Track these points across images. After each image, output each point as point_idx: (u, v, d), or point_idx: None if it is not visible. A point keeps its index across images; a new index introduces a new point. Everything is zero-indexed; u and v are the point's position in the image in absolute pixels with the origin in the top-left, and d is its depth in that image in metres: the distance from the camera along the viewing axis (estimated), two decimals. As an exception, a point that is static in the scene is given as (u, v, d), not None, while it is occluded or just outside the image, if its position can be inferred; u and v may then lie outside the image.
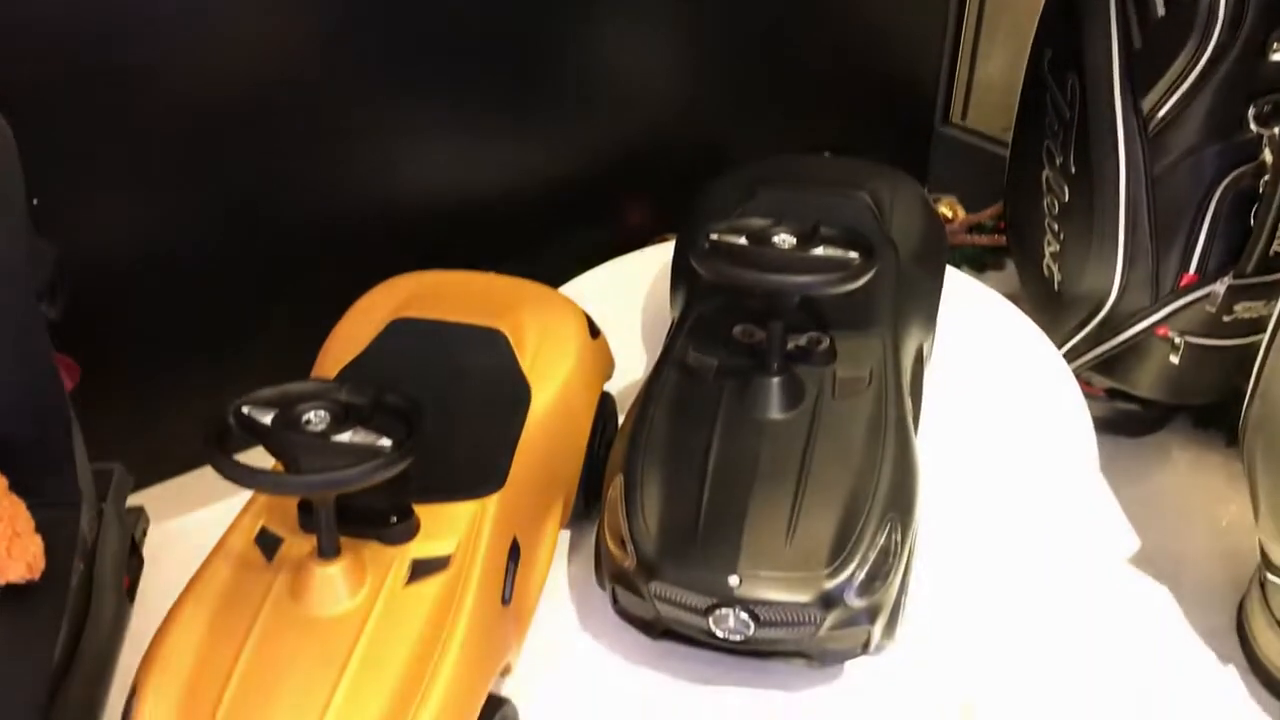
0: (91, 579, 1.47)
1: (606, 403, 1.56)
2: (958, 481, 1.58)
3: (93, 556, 1.49)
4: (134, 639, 1.23)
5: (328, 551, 1.23)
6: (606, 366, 1.56)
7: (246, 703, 1.20)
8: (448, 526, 1.21)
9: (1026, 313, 1.85)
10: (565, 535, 1.50)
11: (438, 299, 1.49)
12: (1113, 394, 2.13)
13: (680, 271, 1.84)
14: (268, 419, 1.24)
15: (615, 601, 1.34)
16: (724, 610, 1.23)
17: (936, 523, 1.50)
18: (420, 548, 1.20)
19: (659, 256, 1.77)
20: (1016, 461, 1.61)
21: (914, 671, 1.36)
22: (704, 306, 1.55)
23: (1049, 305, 2.12)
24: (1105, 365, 2.06)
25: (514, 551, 1.26)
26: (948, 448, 1.63)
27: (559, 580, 1.48)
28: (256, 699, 1.20)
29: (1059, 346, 1.81)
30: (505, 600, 1.23)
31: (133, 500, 1.68)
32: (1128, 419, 2.16)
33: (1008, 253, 2.45)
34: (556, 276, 1.78)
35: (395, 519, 1.18)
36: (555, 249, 2.21)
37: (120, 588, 1.55)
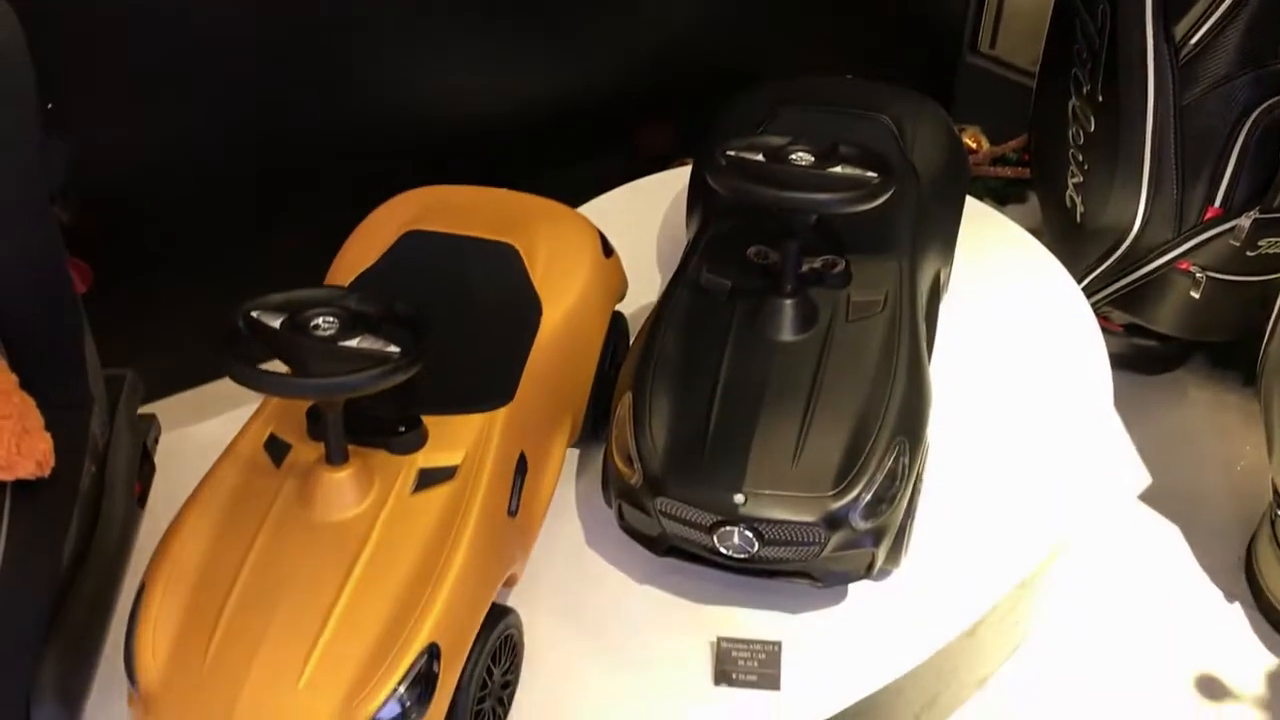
0: (103, 481, 1.48)
1: (619, 323, 1.57)
2: (971, 411, 1.58)
3: (104, 459, 1.49)
4: (144, 545, 1.24)
5: (336, 458, 1.24)
6: (619, 286, 1.57)
7: (252, 603, 1.21)
8: (456, 438, 1.22)
9: (1047, 246, 1.86)
10: (574, 454, 1.53)
11: (451, 213, 1.49)
12: (1131, 330, 2.12)
13: (697, 191, 1.83)
14: (277, 323, 1.23)
15: (621, 518, 1.38)
16: (728, 528, 1.26)
17: (948, 450, 1.51)
18: (428, 457, 1.21)
19: (678, 180, 1.78)
20: (1031, 394, 1.62)
21: (917, 597, 1.38)
22: (720, 227, 1.56)
23: (1070, 238, 2.10)
24: (1125, 300, 2.04)
25: (521, 465, 1.29)
26: (963, 377, 1.62)
27: (567, 497, 1.48)
28: (262, 600, 1.21)
29: (1079, 280, 1.85)
30: (511, 512, 1.26)
31: (146, 411, 1.71)
32: (1145, 355, 2.14)
33: (1030, 186, 2.43)
34: (575, 199, 1.68)
35: (403, 428, 1.20)
36: (574, 171, 2.19)
37: (131, 491, 1.57)
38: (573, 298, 1.44)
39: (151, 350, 1.77)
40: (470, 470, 1.20)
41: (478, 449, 1.22)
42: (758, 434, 1.27)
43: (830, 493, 1.25)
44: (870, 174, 1.42)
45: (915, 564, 1.39)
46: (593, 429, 1.51)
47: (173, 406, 1.94)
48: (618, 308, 1.56)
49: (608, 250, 1.54)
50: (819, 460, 1.26)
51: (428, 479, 1.20)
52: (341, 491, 1.15)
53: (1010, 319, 1.73)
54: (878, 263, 1.47)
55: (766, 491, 1.25)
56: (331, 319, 1.21)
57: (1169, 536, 1.78)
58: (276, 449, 1.26)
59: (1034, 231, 1.89)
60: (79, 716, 1.31)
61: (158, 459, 1.64)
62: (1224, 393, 2.02)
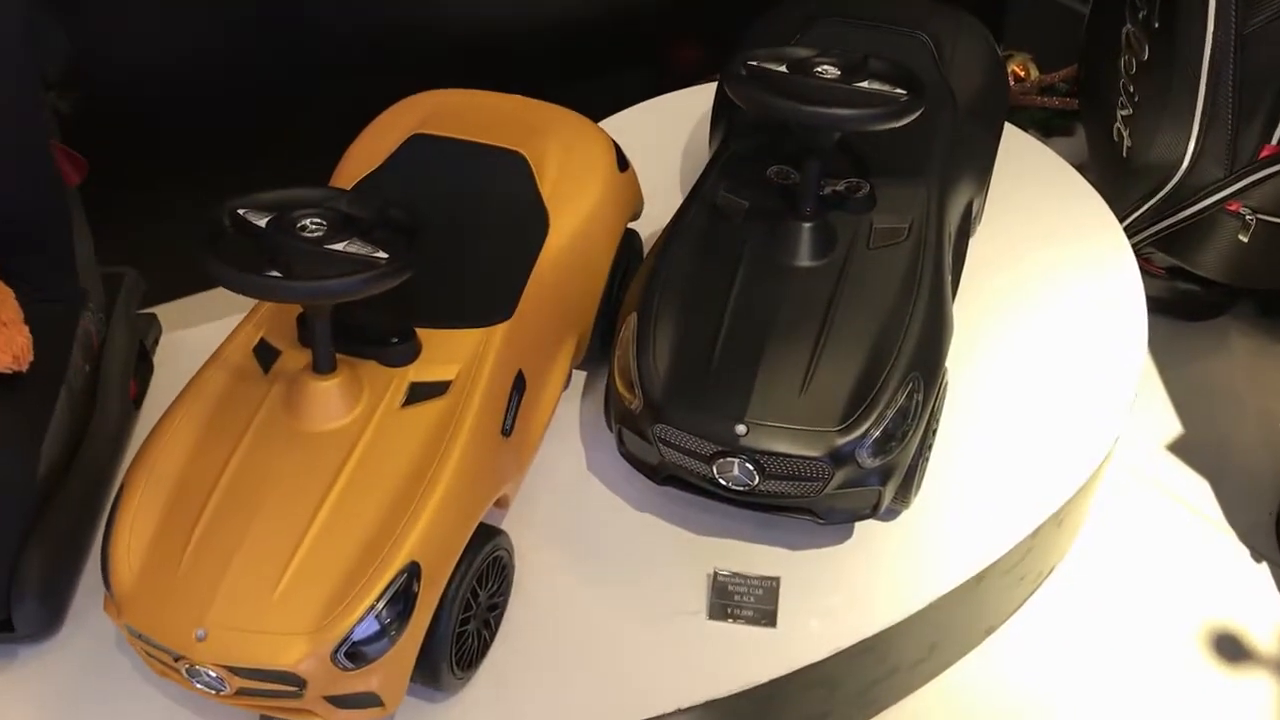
0: (97, 380, 1.44)
1: (631, 241, 1.53)
2: (996, 349, 1.55)
3: (99, 358, 1.45)
4: (138, 447, 1.20)
5: (323, 366, 1.19)
6: (634, 202, 1.52)
7: (231, 510, 1.18)
8: (450, 352, 1.19)
9: (1091, 182, 1.80)
10: (580, 375, 1.50)
11: (460, 118, 1.45)
12: (1174, 273, 2.04)
13: (721, 106, 1.76)
14: (263, 222, 1.18)
15: (621, 444, 1.35)
16: (728, 459, 1.23)
17: (969, 389, 1.47)
18: (420, 371, 1.19)
19: (706, 97, 1.73)
20: (1060, 336, 1.58)
21: (925, 540, 1.35)
22: (741, 144, 1.51)
23: (1116, 173, 2.00)
24: (1169, 241, 1.95)
25: (518, 384, 1.26)
26: (989, 314, 1.58)
27: (569, 420, 1.46)
28: (241, 508, 1.18)
29: (1122, 219, 1.84)
30: (505, 432, 1.23)
31: (148, 312, 1.67)
32: (1187, 301, 2.05)
33: (1078, 118, 2.34)
34: (599, 115, 1.66)
35: (396, 340, 1.17)
36: (600, 85, 2.11)
37: (126, 393, 1.53)
38: (583, 212, 1.39)
39: (158, 253, 1.72)
40: (464, 387, 1.17)
41: (473, 365, 1.18)
42: (764, 363, 1.22)
43: (837, 427, 1.21)
44: (899, 91, 1.34)
45: (925, 505, 1.36)
46: (600, 350, 1.46)
47: (178, 309, 1.89)
48: (632, 226, 1.52)
49: (623, 164, 1.48)
50: (827, 393, 1.21)
51: (419, 393, 1.16)
52: (327, 401, 1.13)
53: (1045, 255, 1.67)
54: (905, 188, 1.40)
55: (770, 423, 1.21)
56: (320, 221, 1.15)
57: (1198, 490, 1.73)
58: (266, 354, 1.23)
59: (1079, 168, 1.83)
60: (62, 616, 1.28)
61: (158, 361, 1.59)
62: (1269, 343, 1.96)
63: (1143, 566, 1.61)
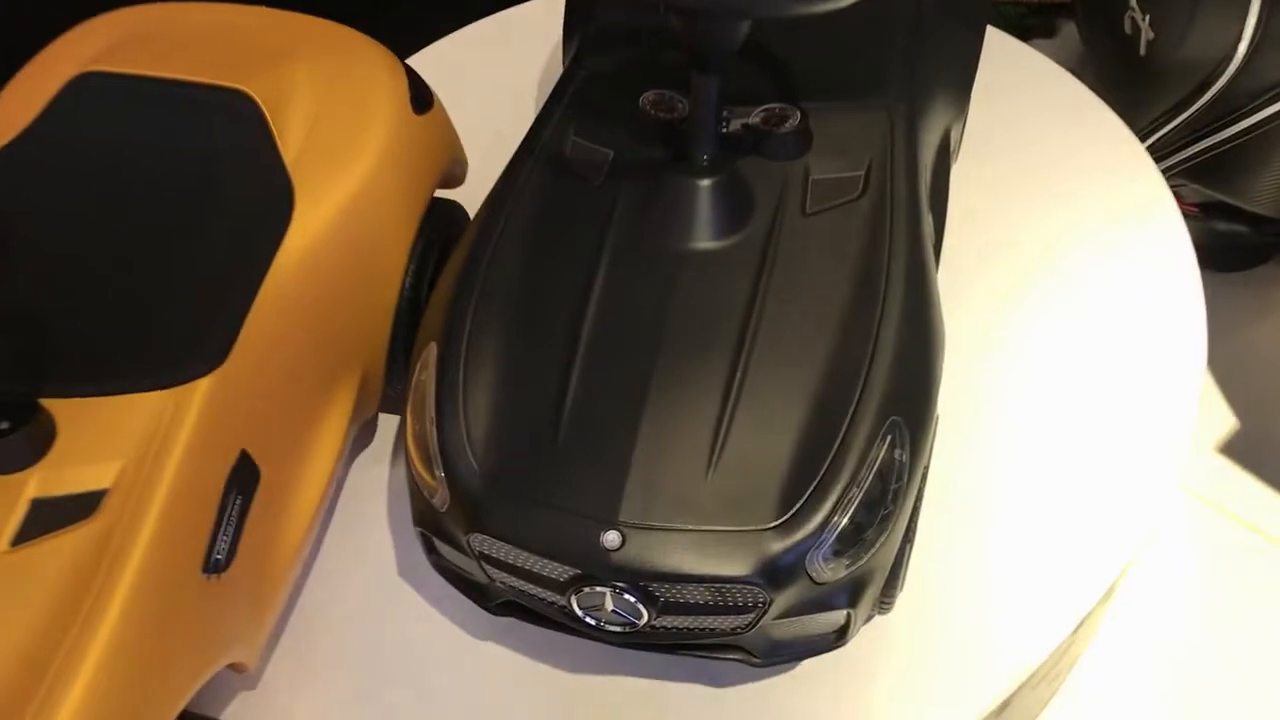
0: None
1: (445, 220, 1.18)
2: (1004, 357, 1.23)
3: None
4: None
5: None
6: (444, 161, 1.17)
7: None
8: (107, 439, 0.84)
9: (1094, 89, 1.50)
10: (388, 422, 1.17)
11: (158, 45, 1.09)
12: (1210, 211, 1.67)
13: (572, 3, 1.29)
14: None
15: (430, 550, 0.99)
16: (595, 588, 0.86)
17: (970, 417, 1.17)
18: (49, 478, 0.82)
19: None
20: (1085, 326, 1.25)
21: (917, 659, 1.04)
22: (598, 61, 1.15)
23: (1128, 80, 1.62)
24: (1206, 169, 1.59)
25: (242, 477, 0.91)
26: (990, 302, 1.27)
27: (369, 495, 1.14)
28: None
29: (1141, 139, 1.50)
30: (214, 566, 0.88)
31: None
32: (1229, 245, 1.68)
33: (1063, 12, 1.98)
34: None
35: (5, 425, 0.81)
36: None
37: None
38: (353, 182, 1.02)
39: None
40: (129, 498, 0.81)
41: (146, 458, 0.83)
42: (647, 420, 0.88)
43: (772, 523, 0.85)
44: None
45: (915, 604, 1.05)
46: (403, 386, 1.11)
47: None
48: (447, 195, 1.18)
49: (423, 102, 1.13)
50: (753, 466, 0.87)
51: (46, 518, 0.80)
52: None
53: (1047, 196, 1.37)
54: (854, 116, 1.05)
55: (660, 524, 0.85)
56: None
57: (1251, 498, 1.48)
58: None
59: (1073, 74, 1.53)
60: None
61: None
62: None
63: (1199, 607, 1.38)
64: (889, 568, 0.90)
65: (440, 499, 0.90)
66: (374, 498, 1.14)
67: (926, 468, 0.94)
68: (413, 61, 1.24)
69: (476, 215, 1.06)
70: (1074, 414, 1.19)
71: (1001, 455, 1.15)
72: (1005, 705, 1.02)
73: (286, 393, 0.96)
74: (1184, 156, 1.58)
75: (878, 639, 1.02)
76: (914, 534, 0.96)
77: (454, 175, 1.18)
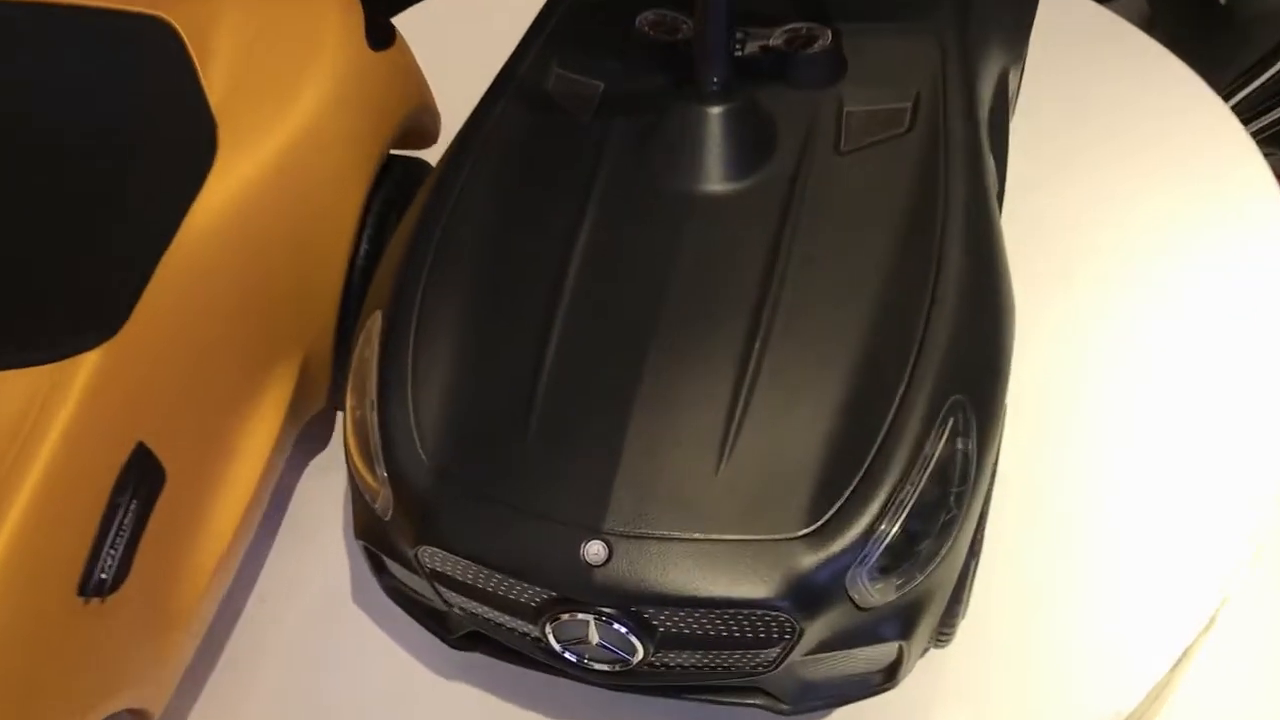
0: None
1: (406, 180, 1.04)
2: (1080, 348, 1.08)
3: None
4: None
5: None
6: (404, 106, 1.03)
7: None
8: None
9: (1164, 43, 1.37)
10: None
11: None
12: None
13: None
14: None
15: (377, 571, 0.83)
16: (576, 615, 0.69)
17: (1039, 414, 1.01)
18: None
19: None
20: (1172, 316, 1.11)
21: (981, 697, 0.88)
22: None
23: (1209, 31, 1.47)
24: None
25: (138, 476, 0.75)
26: (1055, 282, 1.12)
27: (321, 508, 1.00)
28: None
29: (1224, 97, 1.34)
30: (96, 587, 0.72)
31: None
32: None
33: None
34: None
35: None
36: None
37: None
38: (291, 126, 0.89)
39: None
40: None
41: (9, 449, 0.70)
42: (643, 403, 0.73)
43: (802, 531, 0.69)
44: None
45: (982, 636, 0.88)
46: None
47: None
48: (409, 153, 1.05)
49: (380, 38, 0.99)
50: (776, 458, 0.71)
51: None
52: None
53: (1119, 154, 1.23)
54: (897, 40, 0.91)
55: (657, 533, 0.69)
56: None
57: None
58: None
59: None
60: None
61: None
62: None
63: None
64: (950, 589, 0.76)
65: (383, 504, 0.74)
66: (328, 510, 0.99)
67: (995, 463, 0.76)
68: (396, 21, 1.09)
69: (438, 163, 0.90)
70: (1170, 414, 1.04)
71: (1086, 461, 1.01)
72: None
73: (200, 376, 0.82)
74: (1274, 119, 1.45)
75: (934, 679, 0.86)
76: (980, 547, 0.79)
77: (421, 128, 1.04)
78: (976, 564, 0.82)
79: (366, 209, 0.95)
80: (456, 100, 1.07)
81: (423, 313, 0.78)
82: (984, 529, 0.82)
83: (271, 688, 0.90)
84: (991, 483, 0.80)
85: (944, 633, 0.82)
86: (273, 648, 0.93)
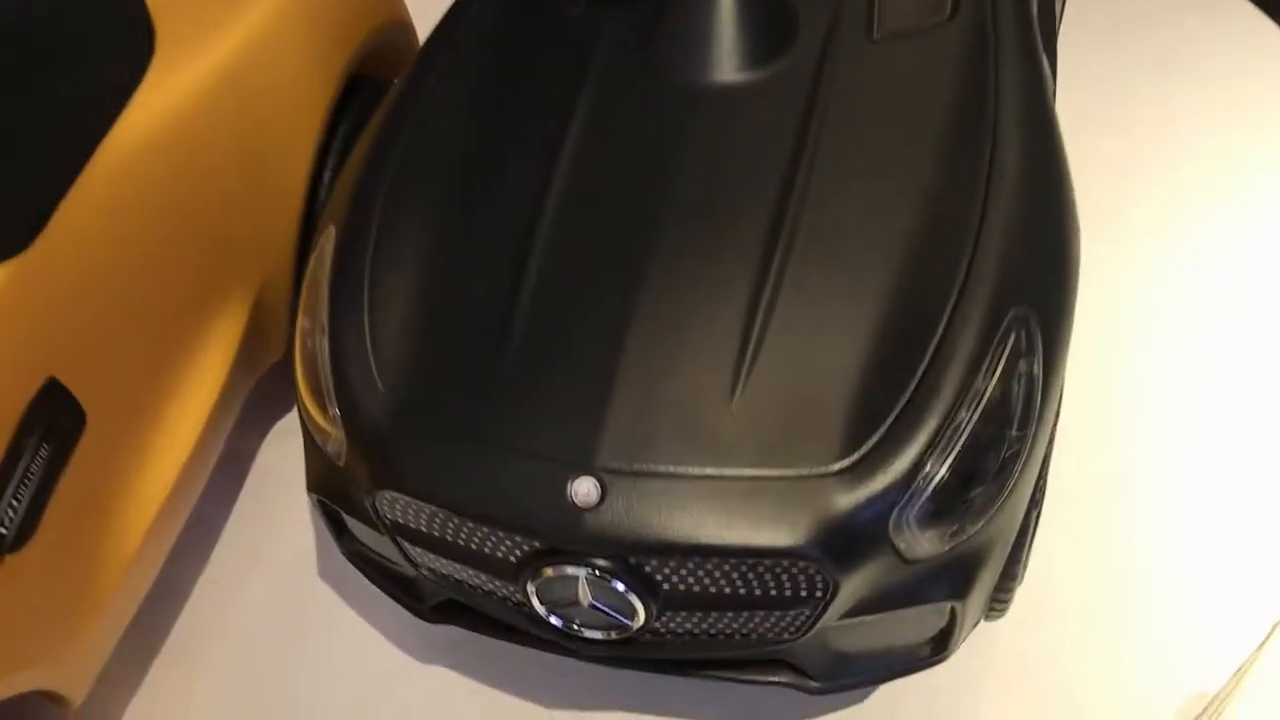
0: None
1: (370, 102, 0.91)
2: (1160, 313, 0.97)
3: None
4: None
5: None
6: (373, 19, 0.90)
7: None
8: None
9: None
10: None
11: None
12: None
13: None
14: None
15: (338, 532, 0.69)
16: (564, 569, 0.57)
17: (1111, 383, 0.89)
18: None
19: None
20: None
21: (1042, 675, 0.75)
22: None
23: None
24: None
25: (49, 416, 0.62)
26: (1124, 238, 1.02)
27: (272, 491, 0.87)
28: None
29: None
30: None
31: None
32: None
33: None
34: None
35: None
36: None
37: None
38: (240, 31, 0.77)
39: None
40: None
41: None
42: (642, 320, 0.60)
43: (835, 465, 0.56)
44: None
45: (1043, 596, 0.78)
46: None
47: None
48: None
49: None
50: (802, 383, 0.58)
51: None
52: None
53: (1174, 91, 1.10)
54: None
55: (660, 468, 0.56)
56: None
57: None
58: None
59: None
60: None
61: None
62: None
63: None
64: (1009, 543, 0.63)
65: (336, 446, 0.62)
66: (292, 479, 0.87)
67: (1061, 396, 0.64)
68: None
69: (406, 67, 0.78)
70: (1241, 378, 0.92)
71: (1155, 436, 0.88)
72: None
73: (129, 308, 0.70)
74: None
75: (986, 658, 0.72)
76: (1042, 495, 0.67)
77: (394, 49, 0.92)
78: (1038, 516, 0.70)
79: (330, 135, 0.83)
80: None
81: (383, 225, 0.67)
82: (1047, 474, 0.70)
83: (225, 678, 0.79)
84: (1057, 418, 0.69)
85: (1000, 599, 0.70)
86: (228, 633, 0.81)
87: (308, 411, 0.66)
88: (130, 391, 0.70)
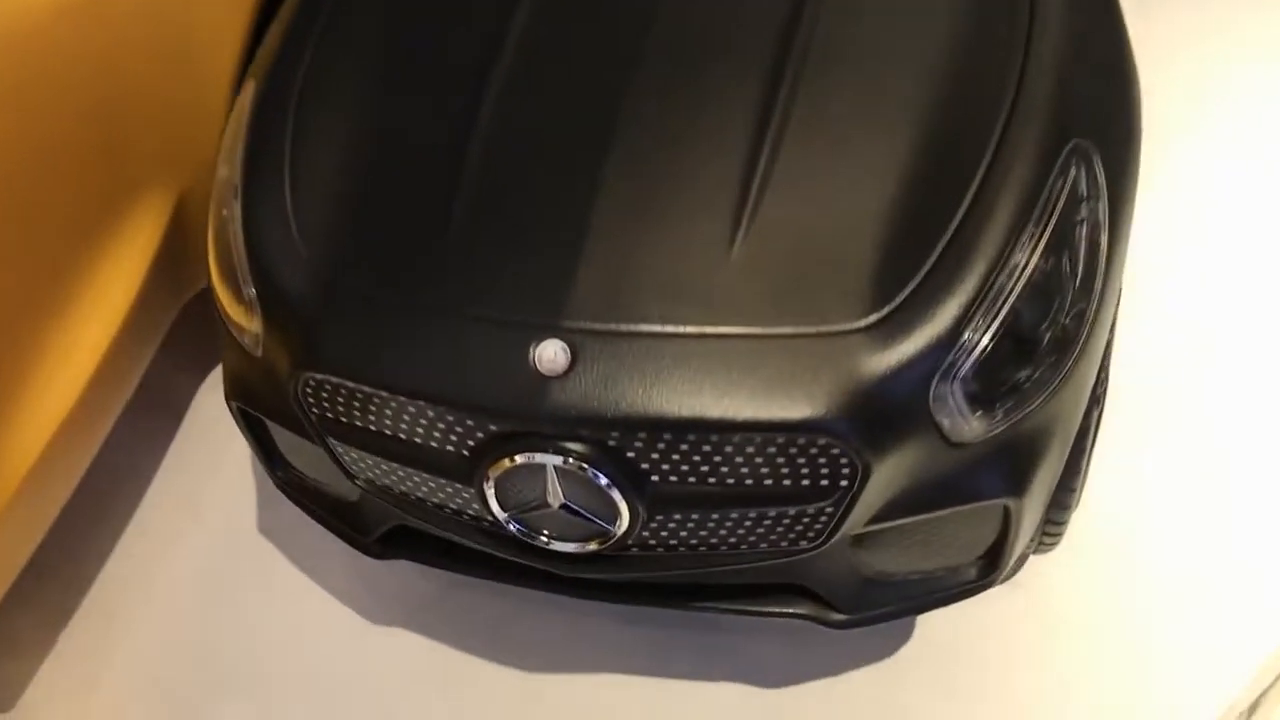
0: None
1: None
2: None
3: None
4: None
5: None
6: None
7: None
8: None
9: None
10: None
11: None
12: None
13: None
14: None
15: (269, 461, 0.60)
16: (529, 458, 0.48)
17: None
18: None
19: None
20: None
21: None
22: None
23: None
24: None
25: None
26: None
27: (208, 441, 0.77)
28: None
29: None
30: None
31: None
32: None
33: None
34: None
35: None
36: None
37: None
38: None
39: None
40: None
41: None
42: (620, 158, 0.51)
43: (861, 321, 0.47)
44: None
45: (1108, 543, 0.68)
46: None
47: None
48: None
49: None
50: (815, 229, 0.49)
51: None
52: None
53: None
54: None
55: (645, 327, 0.47)
56: None
57: None
58: None
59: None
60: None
61: None
62: None
63: None
64: (1068, 441, 0.53)
65: (253, 337, 0.52)
66: (231, 424, 0.76)
67: (1125, 246, 0.54)
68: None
69: None
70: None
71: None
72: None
73: (17, 204, 0.59)
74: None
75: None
76: (1105, 390, 0.57)
77: None
78: (1099, 416, 0.60)
79: (265, 17, 0.74)
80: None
81: (312, 71, 0.57)
82: (1109, 364, 0.60)
83: (148, 643, 0.70)
84: (1120, 286, 0.58)
85: (1054, 524, 0.60)
86: (154, 591, 0.71)
87: (221, 304, 0.56)
88: (17, 296, 0.60)
